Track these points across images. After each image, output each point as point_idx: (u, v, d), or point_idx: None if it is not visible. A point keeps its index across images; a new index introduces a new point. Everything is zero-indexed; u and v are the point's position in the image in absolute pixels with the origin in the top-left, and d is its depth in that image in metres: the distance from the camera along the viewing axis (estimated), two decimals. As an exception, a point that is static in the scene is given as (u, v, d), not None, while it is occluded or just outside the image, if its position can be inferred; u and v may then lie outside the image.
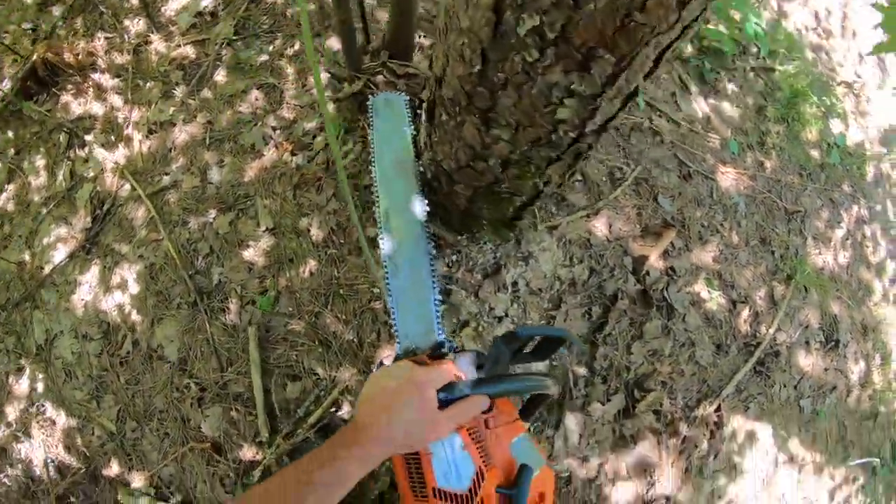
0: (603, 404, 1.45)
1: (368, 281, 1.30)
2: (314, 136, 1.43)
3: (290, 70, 1.53)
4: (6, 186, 1.67)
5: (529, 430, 1.40)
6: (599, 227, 1.48)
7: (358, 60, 1.25)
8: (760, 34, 1.72)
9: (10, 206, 1.66)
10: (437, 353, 0.84)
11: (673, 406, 1.59)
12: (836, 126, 2.17)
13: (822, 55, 2.26)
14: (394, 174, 1.06)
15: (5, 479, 1.60)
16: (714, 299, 1.66)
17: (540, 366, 1.34)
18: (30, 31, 1.69)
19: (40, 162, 1.66)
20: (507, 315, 1.36)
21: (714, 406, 1.64)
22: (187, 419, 1.41)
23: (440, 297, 0.97)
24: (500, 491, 0.61)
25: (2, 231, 1.65)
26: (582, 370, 1.46)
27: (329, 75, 1.39)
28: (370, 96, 1.10)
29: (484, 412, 0.69)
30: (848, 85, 2.31)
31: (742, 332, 1.72)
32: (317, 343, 1.31)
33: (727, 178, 1.77)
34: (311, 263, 1.34)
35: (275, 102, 1.50)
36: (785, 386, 1.79)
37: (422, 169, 1.10)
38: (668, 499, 1.56)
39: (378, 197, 1.04)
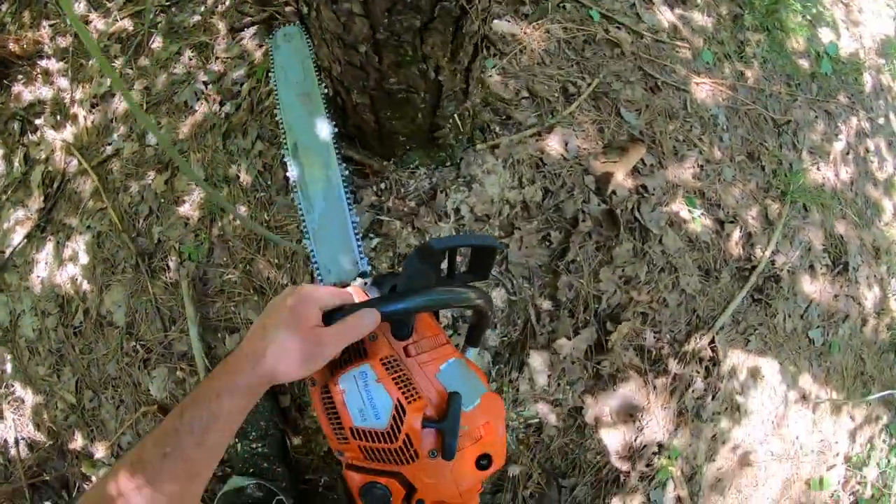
0: (570, 339, 1.31)
1: (297, 220, 1.23)
2: (242, 84, 1.38)
3: (220, 25, 1.50)
4: (-32, 177, 1.70)
5: (517, 346, 1.27)
6: (553, 145, 1.35)
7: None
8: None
9: (-28, 196, 1.69)
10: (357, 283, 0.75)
11: (658, 340, 1.43)
12: (825, 35, 1.96)
13: (807, -43, 2.05)
14: (298, 106, 1.00)
15: (-20, 461, 1.62)
16: (697, 220, 1.49)
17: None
18: (-22, 25, 1.73)
19: (-1, 151, 1.69)
20: (452, 246, 1.25)
21: (707, 339, 1.47)
22: (138, 383, 1.37)
23: (358, 225, 0.90)
24: (428, 425, 0.53)
25: (-35, 220, 1.68)
26: (545, 303, 1.34)
27: (238, 13, 1.35)
28: (285, 23, 1.05)
29: (402, 339, 0.60)
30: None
31: (734, 255, 1.54)
32: (252, 291, 1.25)
33: (702, 89, 1.61)
34: (242, 210, 1.28)
35: (206, 59, 1.47)
36: (790, 316, 1.59)
37: (327, 91, 1.03)
38: (660, 445, 1.40)
39: (284, 132, 0.99)
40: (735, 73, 1.68)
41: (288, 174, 0.96)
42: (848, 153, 1.88)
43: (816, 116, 1.83)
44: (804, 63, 1.88)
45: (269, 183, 1.26)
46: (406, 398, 0.54)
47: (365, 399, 0.55)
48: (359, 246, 0.93)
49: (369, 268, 0.90)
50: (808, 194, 1.70)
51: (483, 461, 0.57)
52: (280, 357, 0.53)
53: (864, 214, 1.85)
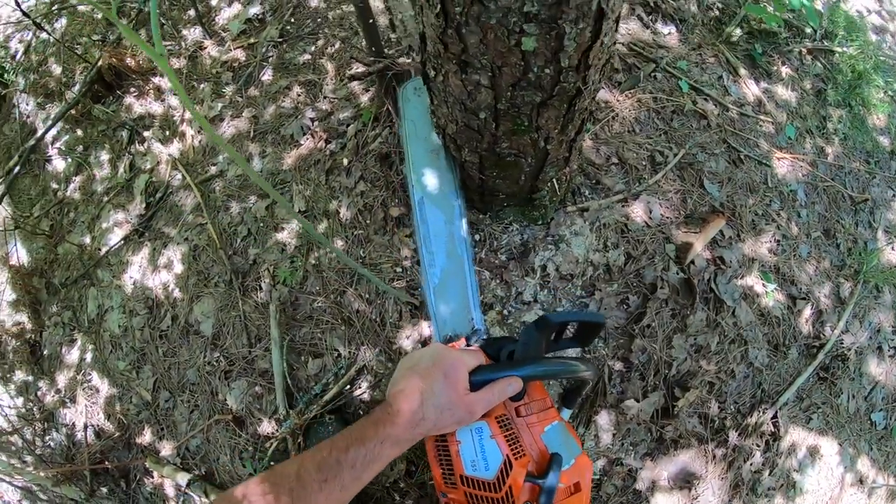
0: (638, 401, 1.34)
1: (392, 260, 1.30)
2: (348, 125, 1.47)
3: (329, 67, 1.60)
4: (74, 178, 1.84)
5: (572, 419, 1.32)
6: (638, 211, 1.40)
7: (380, 46, 1.28)
8: (808, 7, 1.59)
9: (77, 195, 1.82)
10: (471, 341, 0.82)
11: (721, 410, 1.44)
12: (910, 111, 1.96)
13: (888, 37, 2.07)
14: (427, 161, 1.06)
15: (50, 442, 1.72)
16: (770, 294, 1.50)
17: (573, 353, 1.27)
18: (98, 42, 1.88)
19: (105, 156, 1.82)
20: (535, 300, 1.30)
21: (770, 414, 1.47)
22: (216, 392, 1.45)
23: (477, 284, 0.97)
24: (529, 480, 0.59)
25: (68, 217, 1.81)
26: (617, 364, 1.37)
27: (356, 61, 1.44)
28: (397, 85, 1.12)
29: (515, 400, 0.67)
30: (924, 66, 2.09)
31: (803, 331, 1.55)
32: (340, 321, 1.32)
33: (783, 164, 1.63)
34: (339, 244, 1.36)
35: (314, 96, 1.57)
36: (853, 396, 1.58)
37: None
38: (716, 516, 1.40)
39: (413, 186, 1.05)
40: (816, 149, 1.70)
41: (415, 230, 1.02)
42: (924, 234, 1.87)
43: (894, 195, 1.83)
44: (884, 140, 1.88)
45: (369, 222, 1.33)
46: (514, 454, 0.60)
47: (478, 452, 0.62)
48: (476, 309, 0.98)
49: (484, 326, 0.95)
50: (882, 275, 1.70)
51: None
52: (438, 422, 0.61)
53: (936, 299, 1.82)
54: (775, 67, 1.75)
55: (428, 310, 0.97)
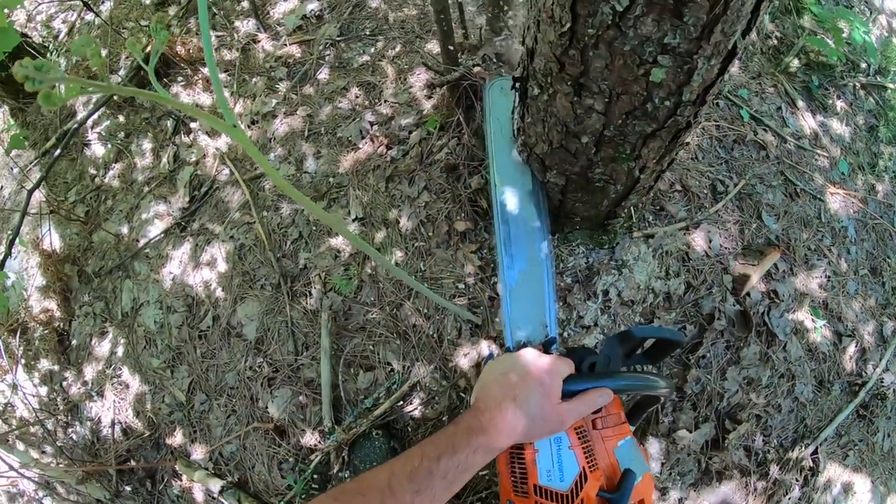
0: (690, 432, 1.33)
1: (455, 276, 1.27)
2: (410, 132, 1.44)
3: (389, 70, 1.57)
4: (113, 165, 1.79)
5: (637, 432, 1.31)
6: (698, 240, 1.39)
7: (455, 55, 1.26)
8: (870, 43, 1.59)
9: (115, 183, 1.77)
10: (548, 349, 0.81)
11: (766, 444, 1.44)
12: (957, 154, 1.97)
13: (941, 77, 2.07)
14: (510, 162, 1.05)
15: (73, 435, 1.68)
16: (819, 330, 1.50)
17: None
18: (146, 27, 1.83)
19: (147, 145, 1.77)
20: (596, 325, 1.29)
21: (811, 449, 1.47)
22: (256, 399, 1.42)
23: (555, 290, 0.95)
24: (602, 495, 0.59)
25: (105, 205, 1.76)
26: (672, 394, 1.36)
27: (426, 68, 1.41)
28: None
29: (594, 413, 0.66)
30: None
31: (847, 369, 1.55)
32: (395, 335, 1.29)
33: (836, 199, 1.63)
34: (398, 255, 1.33)
35: (374, 99, 1.54)
36: (889, 435, 1.59)
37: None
38: (756, 549, 1.40)
39: (495, 186, 1.04)
40: (867, 186, 1.71)
41: (496, 231, 1.01)
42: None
43: (936, 237, 1.84)
44: (928, 181, 1.89)
45: (431, 234, 1.31)
46: (589, 467, 0.60)
47: (555, 462, 0.61)
48: (552, 315, 0.96)
49: (557, 335, 0.93)
50: (921, 316, 1.70)
51: None
52: (531, 430, 0.60)
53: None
54: (831, 101, 1.75)
55: (502, 313, 0.96)
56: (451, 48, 1.24)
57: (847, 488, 1.56)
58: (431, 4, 1.15)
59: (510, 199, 1.06)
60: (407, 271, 1.30)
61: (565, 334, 1.28)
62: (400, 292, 1.31)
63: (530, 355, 0.65)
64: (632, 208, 1.14)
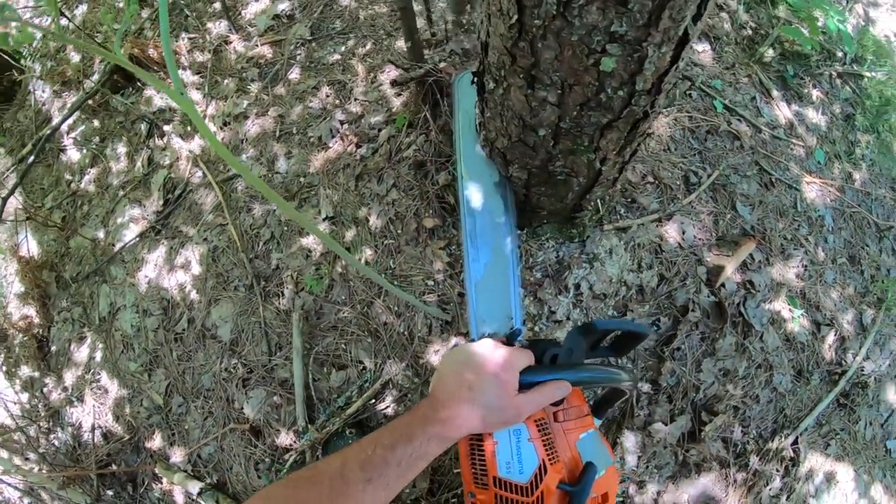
0: (666, 424, 1.32)
1: (424, 273, 1.27)
2: (380, 130, 1.43)
3: (360, 68, 1.56)
4: (89, 170, 1.79)
5: (601, 428, 1.30)
6: (671, 232, 1.38)
7: (420, 51, 1.25)
8: (845, 32, 1.58)
9: (91, 188, 1.77)
10: (512, 341, 0.80)
11: (745, 435, 1.44)
12: (936, 140, 1.96)
13: (920, 64, 2.07)
14: (476, 155, 1.04)
15: (55, 441, 1.67)
16: (796, 320, 1.50)
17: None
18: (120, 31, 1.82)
19: (122, 149, 1.77)
20: (568, 319, 1.28)
21: (791, 439, 1.47)
22: (231, 400, 1.41)
23: (520, 282, 0.95)
24: (562, 487, 0.59)
25: (81, 210, 1.76)
26: (645, 386, 1.35)
27: (393, 66, 1.40)
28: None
29: (555, 406, 0.66)
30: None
31: (826, 358, 1.54)
32: (366, 333, 1.29)
33: (812, 188, 1.62)
34: (368, 253, 1.33)
35: (344, 98, 1.53)
36: (871, 423, 1.58)
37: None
38: (736, 541, 1.39)
39: (461, 178, 1.04)
40: (844, 174, 1.70)
41: (463, 224, 1.00)
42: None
43: (918, 223, 1.83)
44: (908, 168, 1.88)
45: (400, 232, 1.30)
46: (550, 459, 0.60)
47: (514, 454, 0.61)
48: (517, 306, 0.96)
49: (522, 327, 0.93)
50: (903, 303, 1.70)
51: None
52: (486, 421, 0.59)
53: (956, 328, 1.83)
54: (806, 90, 1.74)
55: (468, 305, 0.95)
56: (416, 45, 1.23)
57: (829, 478, 1.56)
58: (394, 2, 1.14)
59: (476, 192, 1.05)
60: (377, 270, 1.30)
61: (537, 329, 1.27)
62: (370, 290, 1.31)
63: (487, 347, 0.64)
64: (598, 201, 1.13)
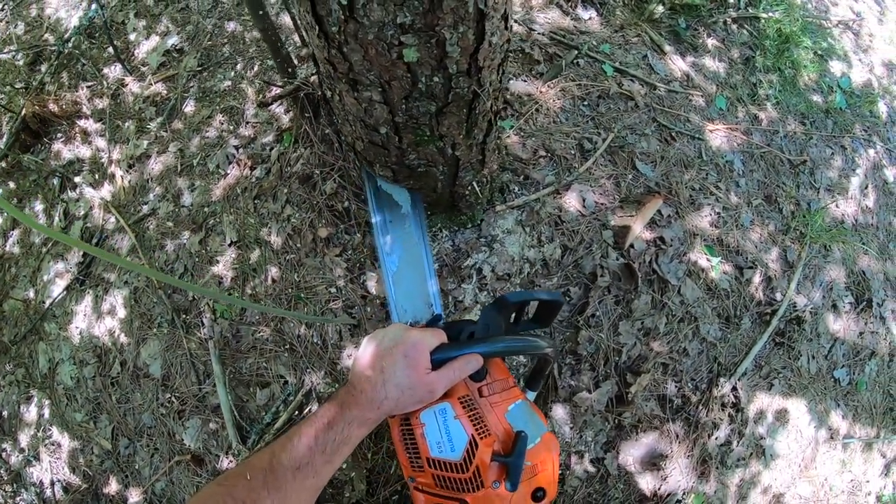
0: (590, 392, 1.33)
1: (326, 281, 1.28)
2: (271, 149, 1.44)
3: (249, 91, 1.58)
4: (11, 232, 1.80)
5: (539, 399, 1.31)
6: (571, 202, 1.39)
7: (288, 67, 1.26)
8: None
9: (16, 250, 1.79)
10: (432, 325, 0.81)
11: (679, 390, 1.45)
12: (837, 68, 1.97)
13: (815, -4, 2.08)
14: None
15: (21, 503, 1.69)
16: (716, 267, 1.51)
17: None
18: (22, 89, 1.83)
19: (39, 206, 1.78)
20: (476, 303, 1.29)
21: (729, 386, 1.48)
22: (172, 433, 1.43)
23: (435, 269, 0.97)
24: (496, 459, 0.59)
25: (9, 273, 1.77)
26: (567, 357, 1.36)
27: (267, 85, 1.42)
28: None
29: (477, 381, 0.67)
30: (845, 24, 2.09)
31: (754, 299, 1.55)
32: (283, 348, 1.30)
33: (717, 136, 1.63)
34: (273, 271, 1.34)
35: (236, 123, 1.55)
36: (814, 357, 1.59)
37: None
38: (686, 492, 1.40)
39: (367, 177, 1.07)
40: (749, 117, 1.70)
41: (373, 219, 1.03)
42: (866, 187, 1.88)
43: (833, 153, 1.84)
44: (818, 99, 1.89)
45: (299, 245, 1.31)
46: (479, 434, 0.61)
47: (443, 433, 0.62)
48: (435, 294, 0.98)
49: (443, 312, 0.95)
50: (828, 233, 1.71)
51: (538, 493, 0.62)
52: (400, 401, 0.61)
53: (886, 248, 1.84)
54: (701, 40, 1.75)
55: (387, 298, 0.97)
56: (285, 62, 1.24)
57: (780, 416, 1.57)
58: (254, 24, 1.15)
59: (381, 188, 1.08)
60: (283, 286, 1.31)
61: (447, 317, 1.28)
62: (280, 307, 1.32)
63: (398, 329, 0.66)
64: (475, 185, 1.14)
